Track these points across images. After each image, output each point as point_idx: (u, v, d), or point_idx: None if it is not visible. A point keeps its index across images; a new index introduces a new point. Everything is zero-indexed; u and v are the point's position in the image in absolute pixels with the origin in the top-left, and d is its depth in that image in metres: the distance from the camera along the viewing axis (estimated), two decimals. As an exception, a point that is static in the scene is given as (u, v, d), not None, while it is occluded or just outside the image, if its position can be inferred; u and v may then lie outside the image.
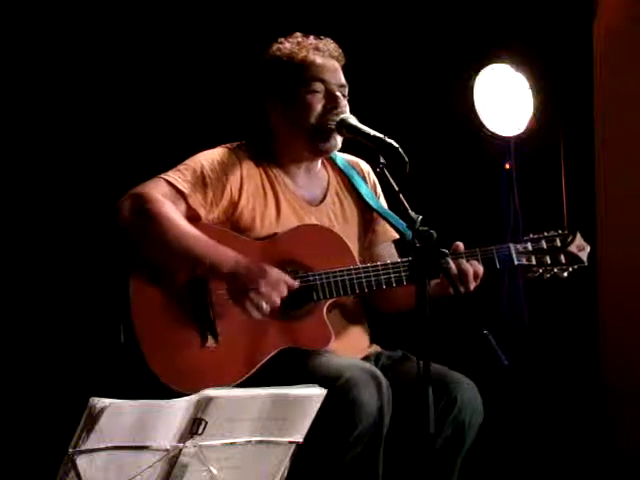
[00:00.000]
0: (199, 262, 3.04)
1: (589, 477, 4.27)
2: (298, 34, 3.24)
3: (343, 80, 3.22)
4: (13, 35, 3.94)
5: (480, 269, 3.13)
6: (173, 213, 3.07)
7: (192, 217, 3.11)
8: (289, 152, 3.25)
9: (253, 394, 2.58)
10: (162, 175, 3.14)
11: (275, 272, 3.04)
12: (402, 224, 3.21)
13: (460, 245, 3.16)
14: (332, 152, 3.25)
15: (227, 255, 3.04)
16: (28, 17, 3.95)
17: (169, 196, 3.09)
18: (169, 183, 3.11)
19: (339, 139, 3.20)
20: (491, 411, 3.19)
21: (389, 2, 4.30)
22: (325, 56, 3.21)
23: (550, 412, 4.31)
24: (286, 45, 3.22)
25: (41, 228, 3.95)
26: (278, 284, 3.03)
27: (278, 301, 3.03)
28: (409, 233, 3.09)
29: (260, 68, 3.25)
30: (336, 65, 3.22)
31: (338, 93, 3.18)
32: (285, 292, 3.04)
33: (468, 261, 3.12)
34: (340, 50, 3.24)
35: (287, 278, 3.05)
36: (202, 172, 3.14)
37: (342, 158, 3.36)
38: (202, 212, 3.13)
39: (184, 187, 3.11)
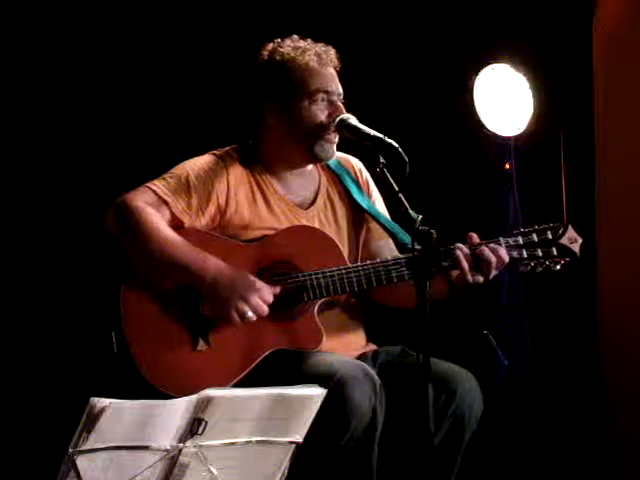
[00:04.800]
0: (181, 270, 3.05)
1: (589, 477, 4.27)
2: (296, 37, 3.23)
3: (341, 89, 3.21)
4: (13, 35, 3.93)
5: (504, 256, 3.12)
6: (157, 221, 3.07)
7: (177, 225, 3.12)
8: (282, 156, 3.25)
9: (253, 394, 2.58)
10: (147, 184, 3.15)
11: (258, 280, 3.05)
12: (393, 224, 3.22)
13: (474, 235, 3.16)
14: (330, 159, 3.25)
15: (209, 263, 3.05)
16: (28, 17, 3.95)
17: (153, 204, 3.10)
18: (153, 192, 3.12)
19: (335, 147, 3.21)
20: (490, 411, 3.19)
21: (390, 2, 4.30)
22: (327, 65, 3.20)
23: (550, 412, 4.31)
24: (287, 49, 3.20)
25: (33, 237, 3.95)
26: (264, 292, 3.04)
27: (265, 310, 3.04)
28: (401, 234, 3.12)
29: (259, 70, 3.23)
30: (334, 74, 3.22)
31: (339, 103, 3.19)
32: (271, 299, 3.05)
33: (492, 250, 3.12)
34: (338, 56, 3.23)
35: (267, 285, 3.06)
36: (187, 180, 3.14)
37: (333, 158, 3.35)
38: (187, 220, 3.13)
39: (167, 195, 3.11)
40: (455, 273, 3.10)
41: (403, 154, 2.86)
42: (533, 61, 4.27)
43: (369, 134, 3.04)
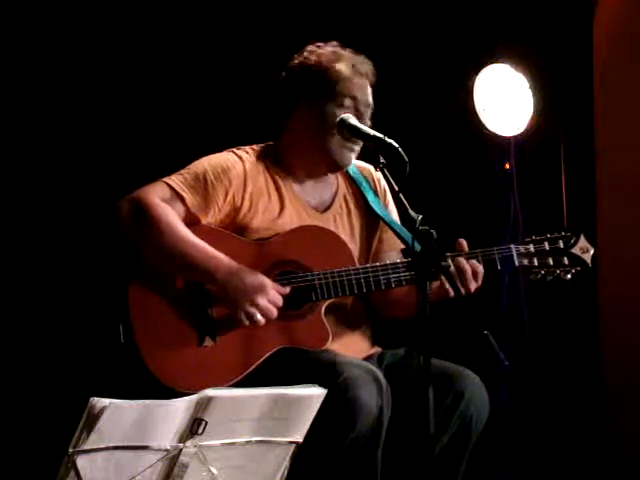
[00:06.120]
0: (193, 268, 3.06)
1: (589, 477, 4.27)
2: (336, 43, 3.24)
3: (371, 101, 3.22)
4: (13, 35, 3.94)
5: (479, 269, 3.13)
6: (172, 218, 3.08)
7: (192, 220, 3.12)
8: (302, 161, 3.25)
9: (253, 394, 2.58)
10: (164, 178, 3.15)
11: (269, 282, 3.05)
12: (407, 233, 3.21)
13: (464, 242, 3.16)
14: (346, 168, 3.25)
15: (221, 263, 3.05)
16: (28, 17, 3.95)
17: (168, 199, 3.11)
18: (170, 186, 3.12)
19: (355, 155, 3.21)
20: (491, 411, 3.19)
21: (390, 2, 4.30)
22: (361, 75, 3.21)
23: (550, 412, 4.31)
24: (325, 52, 3.22)
25: (41, 230, 3.95)
26: (273, 295, 3.04)
27: (275, 313, 3.04)
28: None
29: (296, 69, 3.24)
30: (367, 85, 3.22)
31: (363, 111, 3.19)
32: (281, 302, 3.05)
33: (467, 261, 3.13)
34: (375, 72, 3.24)
35: (278, 287, 3.07)
36: (204, 176, 3.15)
37: (353, 165, 3.36)
38: (202, 216, 3.14)
39: (184, 191, 3.12)
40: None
41: (403, 154, 2.86)
42: (533, 61, 4.27)
43: (369, 134, 3.04)
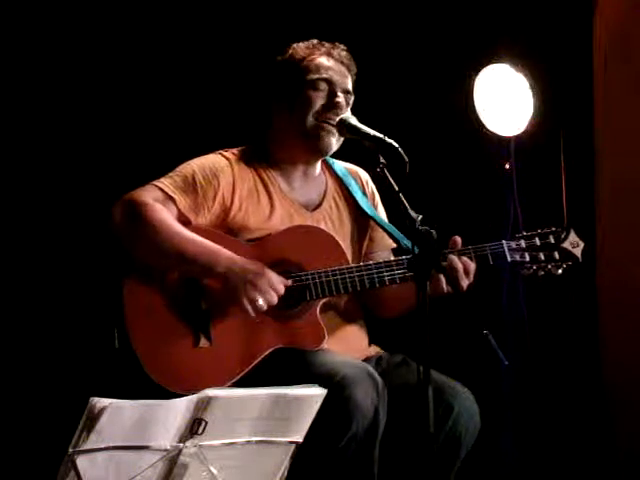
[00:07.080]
0: (193, 262, 3.06)
1: (589, 477, 4.27)
2: (314, 40, 3.26)
3: (349, 86, 3.23)
4: (13, 35, 3.94)
5: (471, 266, 3.13)
6: (165, 216, 3.09)
7: (183, 222, 3.13)
8: (288, 154, 3.26)
9: (253, 394, 2.58)
10: (153, 182, 3.16)
11: (269, 270, 3.06)
12: (398, 233, 3.22)
13: (458, 239, 3.16)
14: (328, 153, 3.25)
15: (221, 254, 3.06)
16: (28, 17, 3.95)
17: (160, 201, 3.12)
18: (160, 189, 3.13)
19: (335, 140, 3.21)
20: (490, 411, 3.19)
21: (390, 2, 4.30)
22: (335, 60, 3.23)
23: (550, 412, 4.31)
24: (300, 47, 3.25)
25: (36, 233, 3.95)
26: (275, 281, 3.04)
27: (275, 298, 3.04)
28: (404, 241, 3.13)
29: (272, 70, 3.27)
30: (344, 71, 3.24)
31: (340, 94, 3.19)
32: (282, 290, 3.05)
33: (459, 258, 3.13)
34: (352, 60, 3.26)
35: (281, 278, 3.07)
36: (193, 178, 3.16)
37: (341, 166, 3.37)
38: (192, 217, 3.14)
39: (174, 192, 3.13)
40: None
41: (403, 154, 2.86)
42: (533, 61, 4.27)
43: (369, 134, 3.04)
